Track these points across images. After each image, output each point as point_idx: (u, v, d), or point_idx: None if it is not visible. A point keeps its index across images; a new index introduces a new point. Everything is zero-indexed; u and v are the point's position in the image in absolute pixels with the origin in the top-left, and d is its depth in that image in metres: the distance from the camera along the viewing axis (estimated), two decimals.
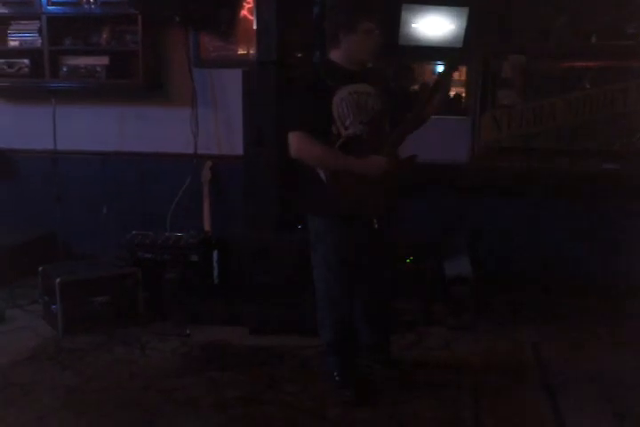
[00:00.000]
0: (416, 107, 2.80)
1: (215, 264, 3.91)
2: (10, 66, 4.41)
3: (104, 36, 4.36)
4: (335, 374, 2.91)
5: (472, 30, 4.01)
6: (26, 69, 4.40)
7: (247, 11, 4.35)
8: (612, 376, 3.05)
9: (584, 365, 3.18)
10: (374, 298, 3.03)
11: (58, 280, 3.50)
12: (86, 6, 4.24)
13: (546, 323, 3.73)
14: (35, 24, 4.33)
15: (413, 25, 4.10)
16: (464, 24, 4.03)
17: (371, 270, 2.94)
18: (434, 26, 4.09)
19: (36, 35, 4.34)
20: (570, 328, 3.65)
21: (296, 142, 2.70)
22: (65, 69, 4.37)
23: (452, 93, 4.65)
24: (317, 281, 2.91)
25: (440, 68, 4.58)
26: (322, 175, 2.73)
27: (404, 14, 4.06)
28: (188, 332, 3.54)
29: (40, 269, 3.76)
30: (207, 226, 4.20)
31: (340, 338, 2.92)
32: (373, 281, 2.99)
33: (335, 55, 2.78)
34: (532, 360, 3.26)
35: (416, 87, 4.30)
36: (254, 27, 3.97)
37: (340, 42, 2.71)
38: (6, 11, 4.35)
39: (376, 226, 2.75)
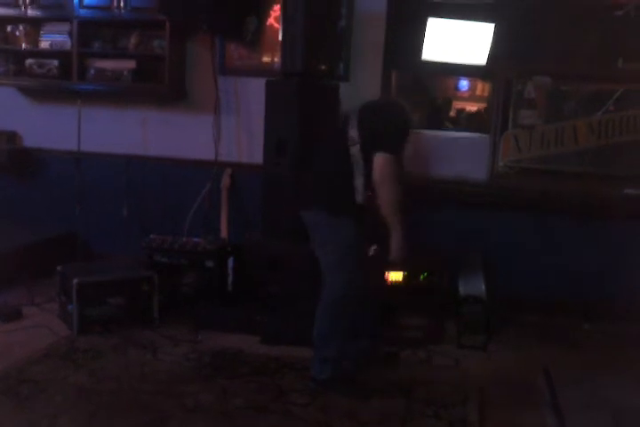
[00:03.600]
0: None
1: (230, 271, 3.95)
2: (40, 66, 4.49)
3: (132, 40, 4.43)
4: (343, 378, 3.00)
5: (497, 48, 4.01)
6: (55, 70, 4.48)
7: (274, 19, 4.38)
8: (623, 403, 3.02)
9: (595, 390, 3.14)
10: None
11: (75, 281, 3.55)
12: (116, 11, 4.31)
13: (559, 346, 3.71)
14: (66, 26, 4.41)
15: (438, 40, 4.10)
16: (489, 41, 4.03)
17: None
18: (458, 41, 4.09)
19: (67, 37, 4.42)
20: (584, 352, 3.62)
21: (388, 164, 2.79)
22: (92, 72, 4.44)
23: (473, 109, 4.68)
24: (344, 286, 2.93)
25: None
26: (357, 184, 2.85)
27: (428, 29, 4.07)
28: (199, 338, 3.58)
29: (58, 268, 3.82)
30: (224, 233, 4.24)
31: (350, 339, 3.02)
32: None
33: None
34: (542, 383, 3.24)
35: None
36: (280, 36, 4.00)
37: None
38: (40, 13, 4.42)
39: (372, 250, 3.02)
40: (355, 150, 2.89)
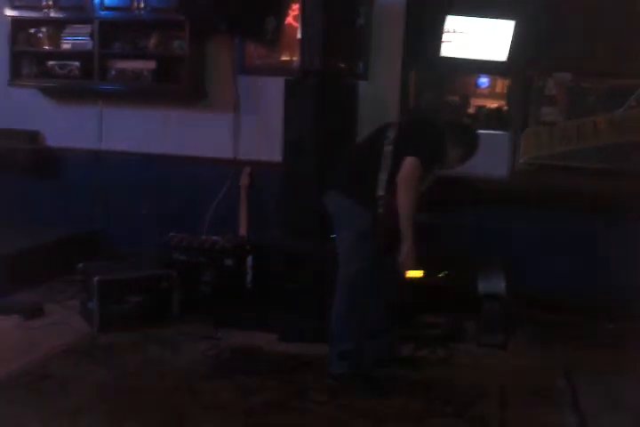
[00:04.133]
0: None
1: (249, 269, 3.96)
2: (61, 67, 4.55)
3: (152, 41, 4.46)
4: (360, 373, 3.04)
5: (517, 44, 3.98)
6: (76, 71, 4.53)
7: (292, 18, 4.39)
8: None
9: (618, 391, 3.11)
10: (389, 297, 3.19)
11: (96, 278, 3.59)
12: (136, 12, 4.35)
13: (580, 346, 3.66)
14: (87, 28, 4.47)
15: (457, 36, 4.08)
16: (509, 38, 4.00)
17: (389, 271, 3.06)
18: (478, 38, 4.06)
19: (88, 38, 4.48)
20: (605, 353, 3.56)
21: (415, 168, 2.87)
22: (113, 72, 4.48)
23: (493, 106, 4.63)
24: (355, 274, 2.99)
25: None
26: (382, 178, 2.91)
27: (447, 26, 4.04)
28: (219, 335, 3.59)
29: (79, 266, 3.86)
30: (243, 231, 4.26)
31: (366, 330, 3.06)
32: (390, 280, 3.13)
33: None
34: (562, 383, 3.21)
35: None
36: (299, 35, 4.01)
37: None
38: (61, 15, 4.49)
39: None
40: (387, 149, 2.96)
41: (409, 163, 2.86)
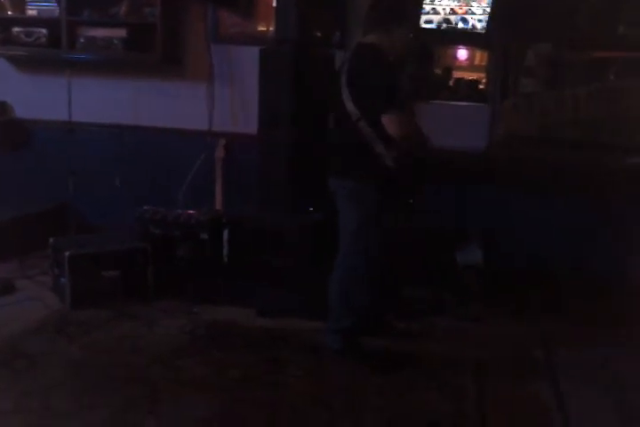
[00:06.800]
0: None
1: (225, 243, 3.90)
2: (27, 35, 4.36)
3: (123, 8, 4.30)
4: (354, 350, 3.06)
5: (496, 16, 3.91)
6: (43, 39, 4.35)
7: None
8: (622, 375, 3.02)
9: (594, 362, 3.15)
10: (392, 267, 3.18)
11: (67, 253, 3.51)
12: None
13: (557, 318, 3.68)
14: None
15: (436, 8, 4.01)
16: (488, 9, 3.94)
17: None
18: (457, 9, 4.00)
19: (55, 4, 4.29)
20: (582, 325, 3.59)
21: (401, 122, 2.76)
22: (82, 40, 4.31)
23: (472, 79, 4.58)
24: (363, 254, 2.94)
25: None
26: (380, 150, 2.83)
27: None
28: (195, 310, 3.55)
29: (50, 241, 3.77)
30: (218, 204, 4.19)
31: (366, 310, 3.05)
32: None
33: (379, 41, 2.85)
34: (540, 356, 3.24)
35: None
36: (274, 3, 3.90)
37: (390, 31, 2.84)
38: None
39: (411, 202, 2.98)
40: (362, 125, 2.83)
41: (390, 123, 2.73)
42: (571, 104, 3.98)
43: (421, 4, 3.93)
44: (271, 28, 4.19)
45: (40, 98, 4.61)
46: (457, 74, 4.59)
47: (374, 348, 3.16)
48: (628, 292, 3.87)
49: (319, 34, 3.89)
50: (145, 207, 4.06)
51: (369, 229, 2.92)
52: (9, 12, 4.42)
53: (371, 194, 2.88)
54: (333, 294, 3.06)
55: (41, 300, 3.62)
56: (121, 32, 4.29)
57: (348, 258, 3.00)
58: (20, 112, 4.72)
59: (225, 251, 3.91)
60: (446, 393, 2.81)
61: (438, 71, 4.52)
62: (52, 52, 4.36)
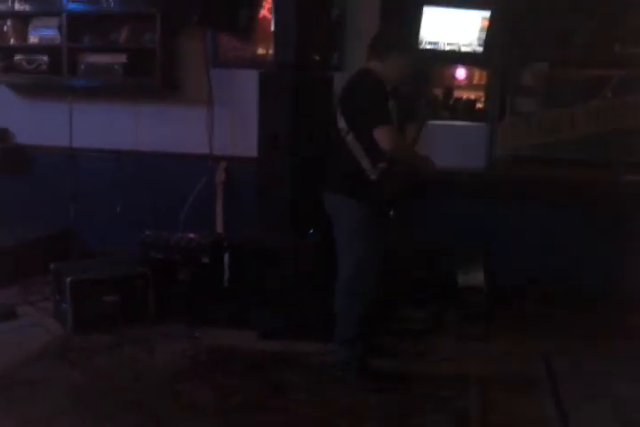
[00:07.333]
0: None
1: (226, 267, 3.90)
2: (29, 62, 4.43)
3: (123, 34, 4.36)
4: (356, 364, 3.06)
5: (494, 35, 3.95)
6: (44, 66, 4.41)
7: (267, 11, 4.32)
8: (624, 393, 2.99)
9: (597, 379, 3.13)
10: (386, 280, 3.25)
11: (69, 279, 3.51)
12: (106, 4, 4.26)
13: (559, 337, 3.66)
14: (55, 21, 4.35)
15: (434, 27, 4.04)
16: (486, 28, 3.97)
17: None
18: (455, 29, 4.03)
19: (56, 32, 4.36)
20: (583, 342, 3.58)
21: (391, 135, 2.88)
22: (83, 67, 4.37)
23: (470, 98, 4.60)
24: (355, 266, 3.02)
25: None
26: (365, 165, 2.94)
27: (425, 16, 4.00)
28: (197, 334, 3.53)
29: (52, 266, 3.77)
30: (219, 228, 4.19)
31: (367, 323, 3.08)
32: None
33: (375, 67, 3.02)
34: (542, 373, 3.21)
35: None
36: (272, 27, 3.94)
37: (386, 59, 3.01)
38: (28, 7, 4.37)
39: (391, 214, 3.04)
40: (350, 139, 2.97)
41: (381, 136, 2.84)
42: (567, 122, 3.99)
43: (418, 31, 3.97)
44: (270, 52, 4.23)
45: (41, 124, 4.66)
46: (456, 93, 4.62)
47: (376, 368, 3.14)
48: (633, 308, 3.85)
49: (317, 57, 3.92)
50: (146, 232, 4.06)
51: (359, 243, 3.01)
52: (11, 40, 4.48)
53: (358, 208, 2.98)
54: (335, 306, 3.12)
55: (42, 326, 3.61)
56: (121, 58, 4.34)
57: (345, 270, 3.07)
58: (22, 138, 4.77)
59: (226, 274, 3.91)
60: (448, 414, 2.78)
61: (439, 91, 4.55)
62: (54, 78, 4.42)
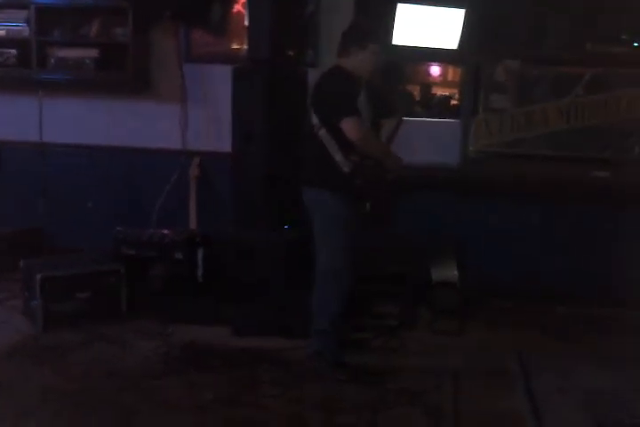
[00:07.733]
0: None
1: (200, 263, 3.87)
2: None
3: (94, 28, 4.30)
4: (329, 354, 3.08)
5: (467, 32, 3.97)
6: (13, 59, 4.33)
7: (241, 6, 4.29)
8: (594, 386, 3.03)
9: (568, 374, 3.16)
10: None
11: (39, 276, 3.45)
12: None
13: (531, 331, 3.70)
14: (22, 13, 4.26)
15: (408, 25, 4.05)
16: (459, 26, 3.99)
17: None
18: (429, 26, 4.05)
19: (24, 24, 4.27)
20: (555, 337, 3.62)
21: (358, 126, 2.91)
22: (53, 61, 4.30)
23: (444, 95, 4.64)
24: (330, 257, 3.05)
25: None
26: (338, 159, 2.98)
27: (398, 14, 4.01)
28: (170, 331, 3.50)
29: (22, 263, 3.71)
30: (193, 223, 4.16)
31: (343, 313, 3.11)
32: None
33: (344, 63, 3.08)
34: (515, 367, 3.24)
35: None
36: (246, 22, 3.92)
37: (351, 54, 3.05)
38: None
39: (367, 207, 3.07)
40: (322, 133, 3.00)
41: (348, 127, 2.89)
42: (540, 120, 4.04)
43: (392, 25, 3.98)
44: (244, 47, 4.21)
45: (10, 119, 4.56)
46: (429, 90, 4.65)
47: (350, 362, 3.14)
48: (602, 303, 3.91)
49: (291, 53, 3.90)
50: (118, 228, 4.02)
51: (336, 233, 3.05)
52: None
53: (333, 200, 3.02)
54: (313, 298, 3.13)
55: (12, 324, 3.56)
56: (92, 52, 4.28)
57: (322, 262, 3.09)
58: None
59: (200, 270, 3.88)
60: (421, 409, 2.79)
61: (415, 88, 4.57)
62: (23, 72, 4.34)
